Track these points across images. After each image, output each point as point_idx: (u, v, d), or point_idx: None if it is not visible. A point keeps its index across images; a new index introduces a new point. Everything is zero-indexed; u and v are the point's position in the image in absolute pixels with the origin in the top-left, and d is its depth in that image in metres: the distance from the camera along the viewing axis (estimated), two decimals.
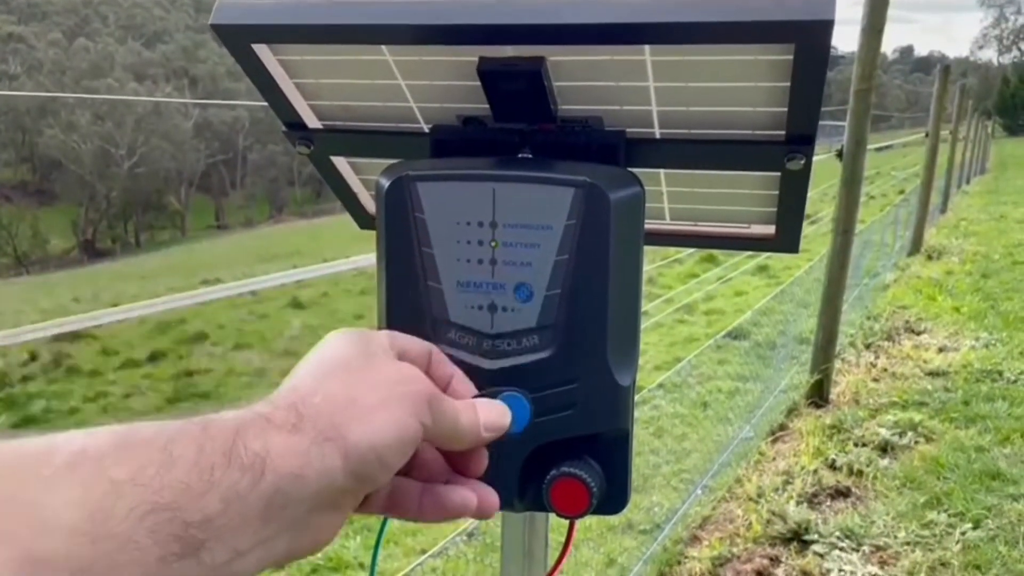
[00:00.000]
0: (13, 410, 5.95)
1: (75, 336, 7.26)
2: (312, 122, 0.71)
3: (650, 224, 0.76)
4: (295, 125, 0.70)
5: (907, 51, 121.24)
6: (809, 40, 0.51)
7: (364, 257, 2.56)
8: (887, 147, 17.62)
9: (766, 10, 0.50)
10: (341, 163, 0.76)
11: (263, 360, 6.97)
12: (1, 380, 6.62)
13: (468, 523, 2.89)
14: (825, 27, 0.50)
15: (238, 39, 0.61)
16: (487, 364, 0.58)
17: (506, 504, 0.60)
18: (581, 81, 0.61)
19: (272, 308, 9.32)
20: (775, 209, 0.70)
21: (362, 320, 8.22)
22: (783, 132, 0.60)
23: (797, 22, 0.50)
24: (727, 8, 0.51)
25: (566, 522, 0.62)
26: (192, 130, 48.26)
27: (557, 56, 0.59)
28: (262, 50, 0.63)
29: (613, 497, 0.59)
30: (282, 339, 7.75)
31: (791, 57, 0.54)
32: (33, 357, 7.18)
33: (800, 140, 0.60)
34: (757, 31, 0.51)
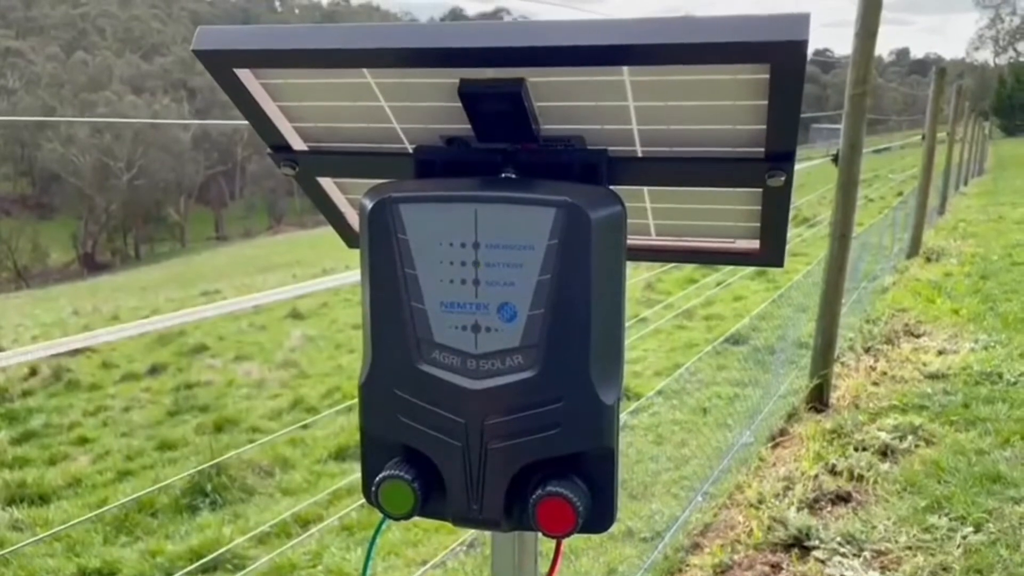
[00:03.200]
0: (13, 425, 5.93)
1: (75, 350, 7.26)
2: (297, 144, 0.71)
3: (636, 239, 0.77)
4: (280, 147, 0.71)
5: (903, 53, 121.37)
6: (784, 60, 0.52)
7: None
8: (885, 149, 17.64)
9: (741, 31, 0.51)
10: (327, 183, 0.76)
11: (263, 371, 6.96)
12: (0, 395, 6.61)
13: (468, 535, 2.88)
14: (799, 47, 0.50)
15: (221, 64, 0.62)
16: (471, 384, 0.58)
17: (493, 524, 0.60)
18: (562, 101, 0.61)
19: (271, 319, 9.31)
20: (759, 224, 0.70)
21: (361, 330, 8.21)
22: (763, 149, 0.61)
23: (772, 43, 0.50)
24: (703, 30, 0.52)
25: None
26: (191, 142, 48.35)
27: (537, 77, 0.59)
28: (245, 75, 0.64)
29: (599, 515, 0.59)
30: (282, 350, 7.74)
31: (768, 76, 0.54)
32: (33, 371, 7.17)
33: (780, 157, 0.60)
34: (733, 52, 0.52)
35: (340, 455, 4.58)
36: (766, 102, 0.56)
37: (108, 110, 45.01)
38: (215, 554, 3.13)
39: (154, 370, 7.37)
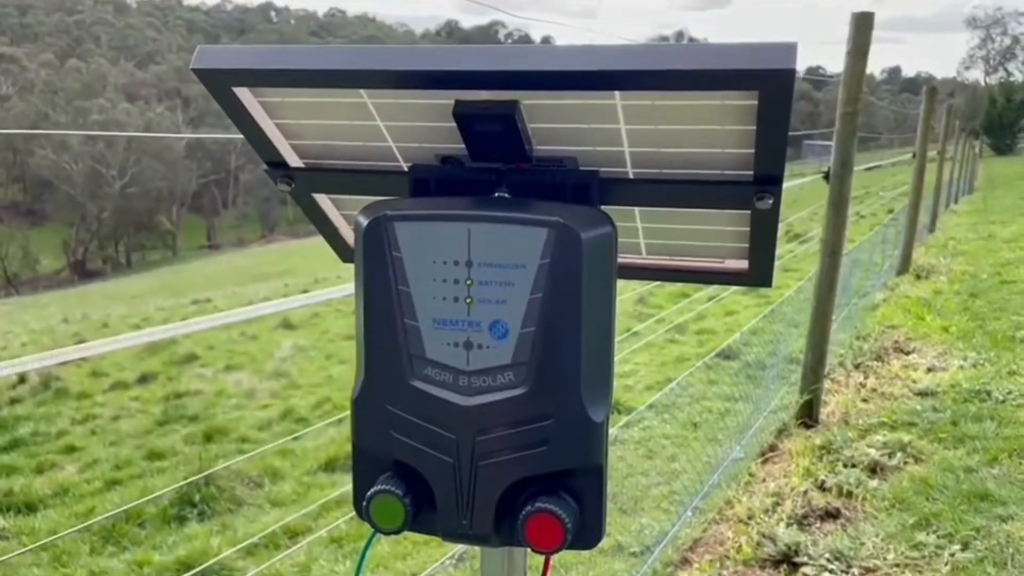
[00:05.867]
0: (0, 433, 5.90)
1: None
2: (293, 161, 0.72)
3: (627, 258, 0.78)
4: (277, 164, 0.72)
5: (895, 71, 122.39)
6: (772, 88, 0.53)
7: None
8: (876, 167, 17.76)
9: (731, 59, 0.52)
10: (323, 199, 0.77)
11: (253, 382, 6.94)
12: None
13: (457, 548, 2.88)
14: (787, 76, 0.51)
15: (219, 83, 0.63)
16: (463, 401, 0.59)
17: (483, 539, 0.61)
18: (555, 123, 0.62)
19: (262, 329, 9.29)
20: (748, 245, 0.71)
21: (352, 341, 8.20)
22: (751, 172, 0.62)
23: (760, 71, 0.52)
24: (693, 57, 0.53)
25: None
26: (184, 150, 48.30)
27: (531, 100, 0.61)
28: (243, 93, 0.65)
29: (587, 531, 0.60)
30: (272, 360, 7.72)
31: (756, 103, 0.55)
32: (21, 379, 7.13)
33: (768, 180, 0.62)
34: (722, 79, 0.53)
35: (330, 467, 4.57)
36: (754, 127, 0.57)
37: (102, 117, 44.94)
38: (203, 565, 3.12)
39: (143, 379, 7.34)
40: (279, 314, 9.43)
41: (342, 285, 2.58)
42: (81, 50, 62.45)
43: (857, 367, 5.01)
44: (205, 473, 4.15)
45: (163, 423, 5.97)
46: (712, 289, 7.53)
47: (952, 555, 2.80)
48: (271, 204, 52.16)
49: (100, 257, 48.60)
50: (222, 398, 6.53)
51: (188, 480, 4.15)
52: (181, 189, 49.50)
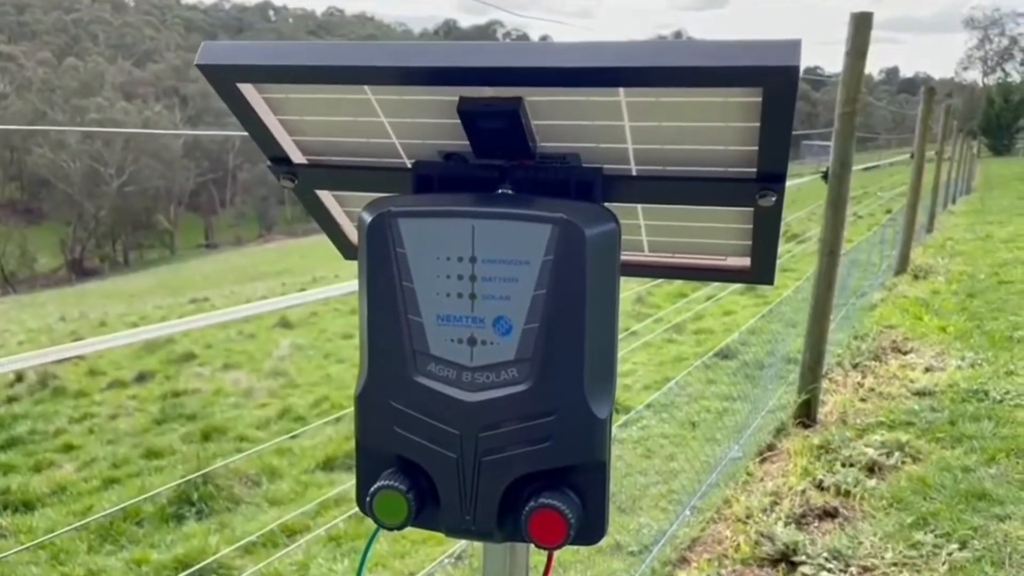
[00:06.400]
0: None
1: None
2: (297, 157, 0.72)
3: (629, 256, 0.78)
4: (280, 160, 0.72)
5: (893, 72, 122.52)
6: (776, 84, 0.53)
7: (354, 281, 2.55)
8: (874, 167, 17.77)
9: (735, 56, 0.52)
10: (325, 196, 0.77)
11: (251, 380, 6.93)
12: None
13: (455, 546, 2.88)
14: (791, 72, 0.51)
15: (224, 79, 0.63)
16: (466, 397, 0.59)
17: (486, 535, 0.61)
18: (559, 120, 0.63)
19: (260, 327, 9.29)
20: (750, 242, 0.71)
21: (351, 340, 8.21)
22: (754, 169, 0.62)
23: (764, 67, 0.52)
24: (698, 53, 0.53)
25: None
26: (182, 149, 48.24)
27: (535, 96, 0.61)
28: (247, 89, 0.65)
29: (590, 527, 0.60)
30: (270, 359, 7.71)
31: (760, 99, 0.55)
32: (19, 378, 7.12)
33: (770, 178, 0.62)
34: (726, 76, 0.53)
35: (328, 465, 4.56)
36: (758, 124, 0.57)
37: (99, 116, 44.86)
38: (201, 564, 3.12)
39: (141, 378, 7.33)
40: (277, 313, 9.42)
41: (340, 284, 2.58)
42: (79, 48, 62.37)
43: (855, 367, 5.02)
44: (203, 472, 4.15)
45: (161, 422, 5.96)
46: (710, 289, 7.54)
47: (950, 554, 2.81)
48: (269, 203, 52.13)
49: (98, 256, 48.55)
50: (220, 397, 6.53)
51: (186, 479, 4.15)
52: (179, 188, 49.45)
